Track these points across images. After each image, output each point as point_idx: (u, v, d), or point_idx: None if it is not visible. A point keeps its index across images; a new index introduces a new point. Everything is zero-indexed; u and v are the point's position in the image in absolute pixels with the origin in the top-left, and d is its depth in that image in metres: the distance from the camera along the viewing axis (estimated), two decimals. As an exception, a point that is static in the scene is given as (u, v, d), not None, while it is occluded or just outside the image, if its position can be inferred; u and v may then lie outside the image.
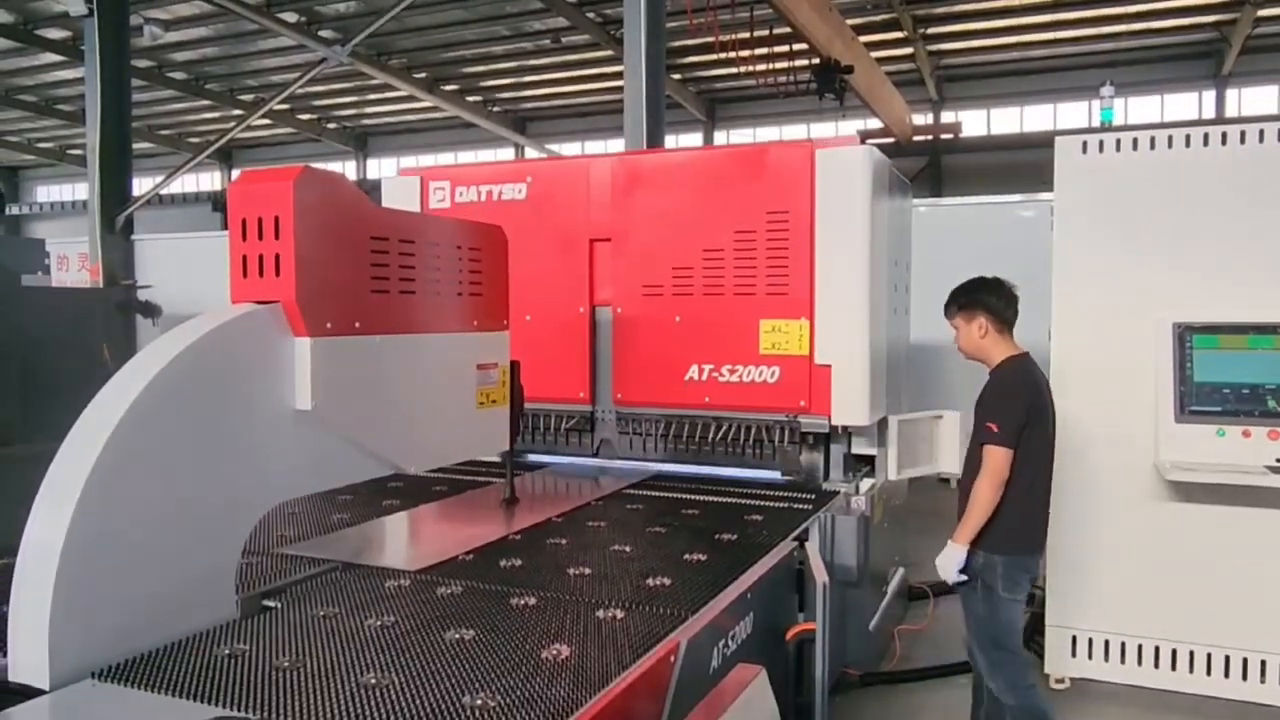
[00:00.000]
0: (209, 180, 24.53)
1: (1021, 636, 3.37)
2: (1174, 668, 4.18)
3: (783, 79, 11.45)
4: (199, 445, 2.09)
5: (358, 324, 2.46)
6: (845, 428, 4.04)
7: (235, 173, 24.54)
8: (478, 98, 18.72)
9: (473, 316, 2.99)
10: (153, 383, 1.97)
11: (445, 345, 2.86)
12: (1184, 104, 16.71)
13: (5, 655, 1.97)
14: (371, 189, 3.66)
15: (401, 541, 3.34)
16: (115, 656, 1.94)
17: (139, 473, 1.96)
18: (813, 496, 3.83)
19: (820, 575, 2.90)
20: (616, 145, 12.96)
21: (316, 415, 2.33)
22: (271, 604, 2.40)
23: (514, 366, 3.26)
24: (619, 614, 2.30)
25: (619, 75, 10.01)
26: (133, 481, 1.95)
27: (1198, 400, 4.01)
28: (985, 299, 3.40)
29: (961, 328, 3.46)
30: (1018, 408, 3.27)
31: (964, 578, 3.34)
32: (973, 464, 3.38)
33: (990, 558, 3.30)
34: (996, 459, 3.24)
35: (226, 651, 2.02)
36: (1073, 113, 17.09)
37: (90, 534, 1.86)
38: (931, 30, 14.78)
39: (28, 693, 1.79)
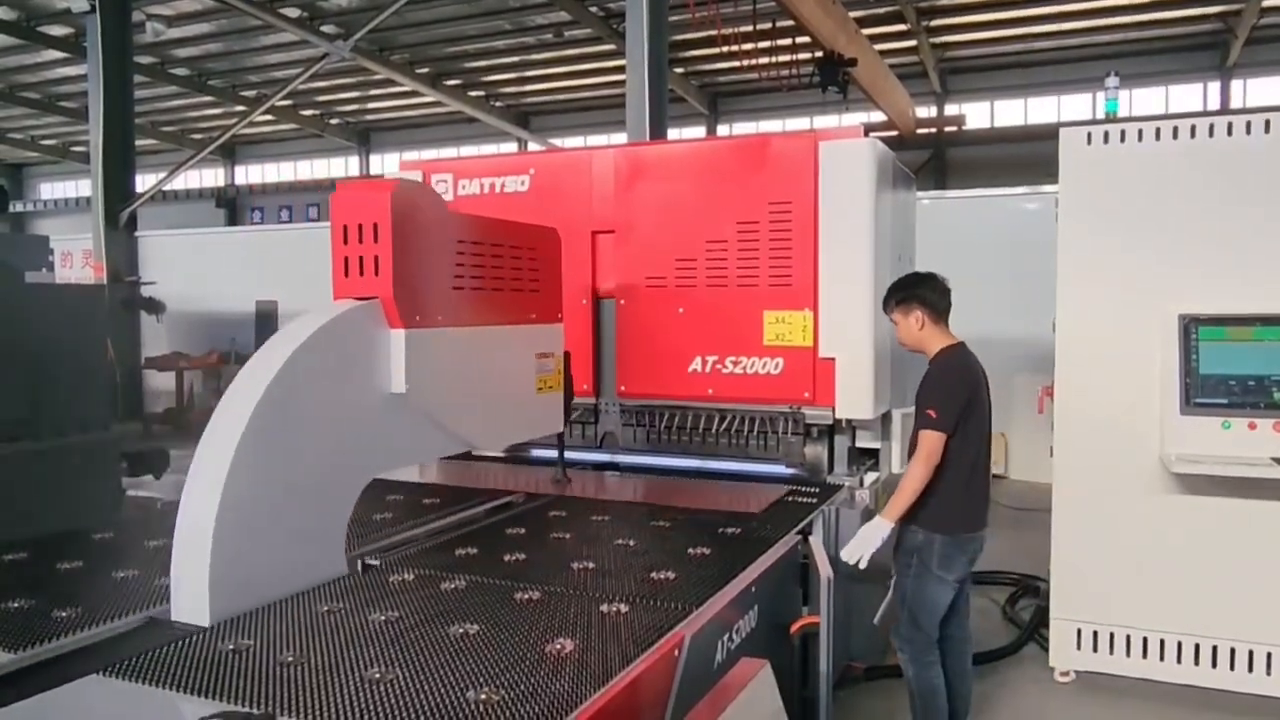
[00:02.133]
0: (212, 176, 24.51)
1: (939, 618, 3.47)
2: (1179, 660, 4.17)
3: (785, 72, 11.39)
4: (318, 424, 2.43)
5: (440, 317, 2.77)
6: (849, 421, 4.03)
7: (238, 169, 24.52)
8: (480, 93, 18.68)
9: (532, 310, 3.32)
10: (281, 371, 2.31)
11: (511, 336, 3.21)
12: (1189, 95, 16.58)
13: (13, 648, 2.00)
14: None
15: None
16: (252, 603, 2.26)
17: (273, 448, 2.30)
18: (817, 490, 3.83)
19: (824, 569, 2.90)
20: (619, 140, 12.94)
21: (408, 398, 2.65)
22: (374, 562, 2.71)
23: (566, 356, 3.57)
24: (623, 608, 2.30)
25: (621, 69, 10.01)
26: (268, 456, 2.29)
27: (1203, 392, 4.00)
28: (921, 293, 3.52)
29: (900, 321, 3.56)
30: (955, 394, 3.39)
31: (874, 548, 3.33)
32: (915, 448, 3.47)
33: (930, 536, 3.40)
34: (931, 441, 3.33)
35: (231, 647, 2.02)
36: (1077, 104, 16.96)
37: (237, 501, 2.20)
38: (935, 23, 14.70)
39: (189, 630, 2.13)
